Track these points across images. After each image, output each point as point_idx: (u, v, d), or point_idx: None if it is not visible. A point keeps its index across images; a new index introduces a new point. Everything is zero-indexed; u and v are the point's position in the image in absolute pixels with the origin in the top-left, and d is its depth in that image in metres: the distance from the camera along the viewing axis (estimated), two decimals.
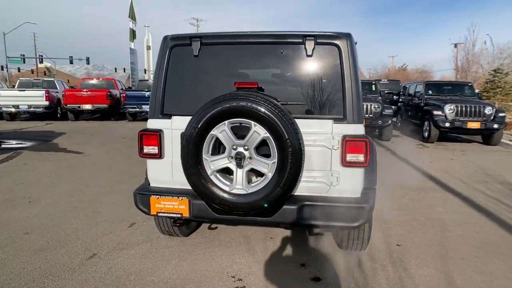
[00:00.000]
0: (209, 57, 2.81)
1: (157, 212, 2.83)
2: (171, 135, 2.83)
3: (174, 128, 2.82)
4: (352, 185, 2.69)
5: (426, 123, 10.53)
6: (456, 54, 34.99)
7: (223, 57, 2.82)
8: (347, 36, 2.65)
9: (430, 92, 11.56)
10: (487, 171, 6.78)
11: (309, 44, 2.64)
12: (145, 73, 34.21)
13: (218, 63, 2.84)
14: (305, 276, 2.95)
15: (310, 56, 2.66)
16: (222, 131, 2.45)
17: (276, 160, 2.41)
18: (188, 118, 2.75)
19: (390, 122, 10.26)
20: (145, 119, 3.04)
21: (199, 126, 2.42)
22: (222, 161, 2.53)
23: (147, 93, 15.69)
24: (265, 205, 2.46)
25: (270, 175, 2.45)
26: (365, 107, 9.70)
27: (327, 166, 2.65)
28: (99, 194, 5.11)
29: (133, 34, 30.34)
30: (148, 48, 35.87)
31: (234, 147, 2.49)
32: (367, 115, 9.90)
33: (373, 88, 12.16)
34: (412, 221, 4.16)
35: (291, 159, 2.36)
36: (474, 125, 9.67)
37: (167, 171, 2.89)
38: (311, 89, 2.70)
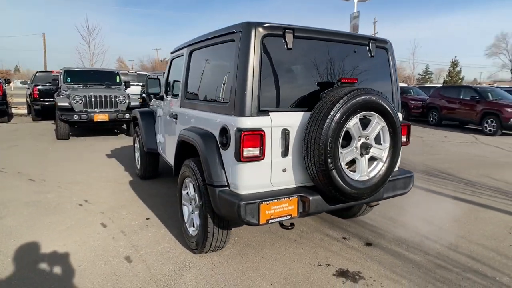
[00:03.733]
0: (301, 50, 2.76)
1: (267, 220, 2.57)
2: (270, 134, 2.62)
3: (274, 125, 2.62)
4: (398, 161, 3.39)
5: None
6: None
7: (312, 51, 2.83)
8: (390, 42, 3.29)
9: None
10: None
11: (372, 47, 3.11)
12: None
13: (308, 57, 2.82)
14: (357, 244, 3.42)
15: (373, 56, 3.13)
16: (355, 124, 2.59)
17: (389, 145, 2.80)
18: (288, 114, 2.66)
19: None
20: None
21: (340, 121, 2.46)
22: (351, 153, 2.65)
23: None
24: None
25: (384, 159, 2.80)
26: None
27: None
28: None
29: None
30: None
31: (360, 138, 2.67)
32: None
33: (117, 80, 11.14)
34: None
35: (399, 144, 2.82)
36: None
37: (265, 173, 2.64)
38: (373, 83, 3.17)
